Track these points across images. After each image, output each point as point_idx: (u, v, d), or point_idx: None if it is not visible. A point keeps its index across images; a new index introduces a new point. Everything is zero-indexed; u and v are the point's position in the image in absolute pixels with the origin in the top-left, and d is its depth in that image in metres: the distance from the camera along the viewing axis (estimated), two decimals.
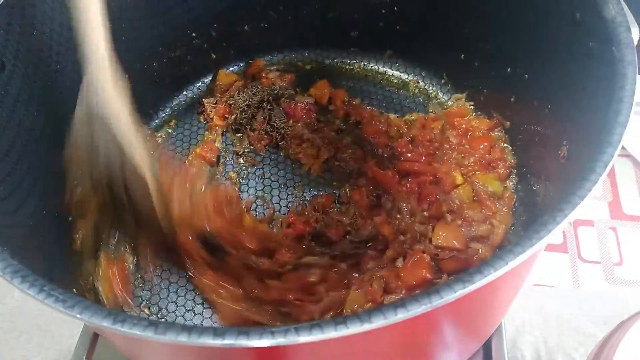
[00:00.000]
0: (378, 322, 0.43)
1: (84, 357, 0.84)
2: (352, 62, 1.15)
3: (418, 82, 1.11)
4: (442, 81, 1.09)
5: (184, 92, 1.13)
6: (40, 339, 0.95)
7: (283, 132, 1.01)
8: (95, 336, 0.85)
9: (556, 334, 0.90)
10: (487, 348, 0.84)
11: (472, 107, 1.02)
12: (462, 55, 1.01)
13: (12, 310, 0.99)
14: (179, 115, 1.10)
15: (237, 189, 0.98)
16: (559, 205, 0.50)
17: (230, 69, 1.15)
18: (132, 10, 0.94)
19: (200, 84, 1.14)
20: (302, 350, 0.49)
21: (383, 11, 1.06)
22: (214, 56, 1.12)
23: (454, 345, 0.70)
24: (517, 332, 0.91)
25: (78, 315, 0.46)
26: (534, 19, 0.80)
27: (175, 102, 1.12)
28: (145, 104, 1.07)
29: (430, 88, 1.10)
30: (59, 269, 0.76)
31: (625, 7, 0.63)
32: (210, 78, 1.14)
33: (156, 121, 1.10)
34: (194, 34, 1.06)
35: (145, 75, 1.03)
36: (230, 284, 0.82)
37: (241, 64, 1.16)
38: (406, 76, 1.12)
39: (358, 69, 1.14)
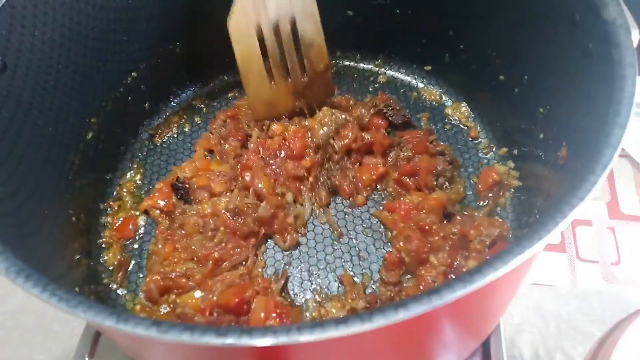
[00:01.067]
0: (379, 321, 0.43)
1: (87, 356, 0.84)
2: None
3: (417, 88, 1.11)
4: (443, 87, 1.10)
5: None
6: (43, 337, 0.96)
7: None
8: (98, 335, 0.85)
9: (554, 333, 0.91)
10: (485, 347, 0.84)
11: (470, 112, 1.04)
12: (461, 59, 1.01)
13: (15, 309, 0.99)
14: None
15: None
16: (558, 206, 0.50)
17: None
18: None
19: None
20: (303, 349, 0.49)
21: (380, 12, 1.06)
22: None
23: (453, 344, 0.70)
24: (516, 331, 0.91)
25: (81, 315, 0.46)
26: (532, 21, 0.80)
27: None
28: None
29: (430, 95, 1.10)
30: (62, 267, 0.76)
31: (625, 9, 0.63)
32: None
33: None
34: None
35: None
36: None
37: None
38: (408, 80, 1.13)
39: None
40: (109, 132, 0.97)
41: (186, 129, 1.07)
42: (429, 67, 1.10)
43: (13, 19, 0.74)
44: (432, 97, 1.09)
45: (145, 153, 1.04)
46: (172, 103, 1.11)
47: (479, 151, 0.99)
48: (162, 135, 1.06)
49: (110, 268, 0.89)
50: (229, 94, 1.12)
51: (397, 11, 1.04)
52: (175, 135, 1.07)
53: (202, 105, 1.11)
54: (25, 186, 0.73)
